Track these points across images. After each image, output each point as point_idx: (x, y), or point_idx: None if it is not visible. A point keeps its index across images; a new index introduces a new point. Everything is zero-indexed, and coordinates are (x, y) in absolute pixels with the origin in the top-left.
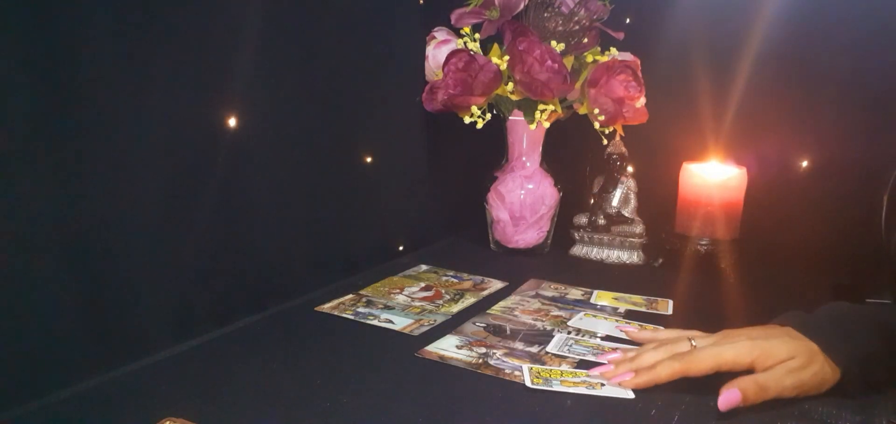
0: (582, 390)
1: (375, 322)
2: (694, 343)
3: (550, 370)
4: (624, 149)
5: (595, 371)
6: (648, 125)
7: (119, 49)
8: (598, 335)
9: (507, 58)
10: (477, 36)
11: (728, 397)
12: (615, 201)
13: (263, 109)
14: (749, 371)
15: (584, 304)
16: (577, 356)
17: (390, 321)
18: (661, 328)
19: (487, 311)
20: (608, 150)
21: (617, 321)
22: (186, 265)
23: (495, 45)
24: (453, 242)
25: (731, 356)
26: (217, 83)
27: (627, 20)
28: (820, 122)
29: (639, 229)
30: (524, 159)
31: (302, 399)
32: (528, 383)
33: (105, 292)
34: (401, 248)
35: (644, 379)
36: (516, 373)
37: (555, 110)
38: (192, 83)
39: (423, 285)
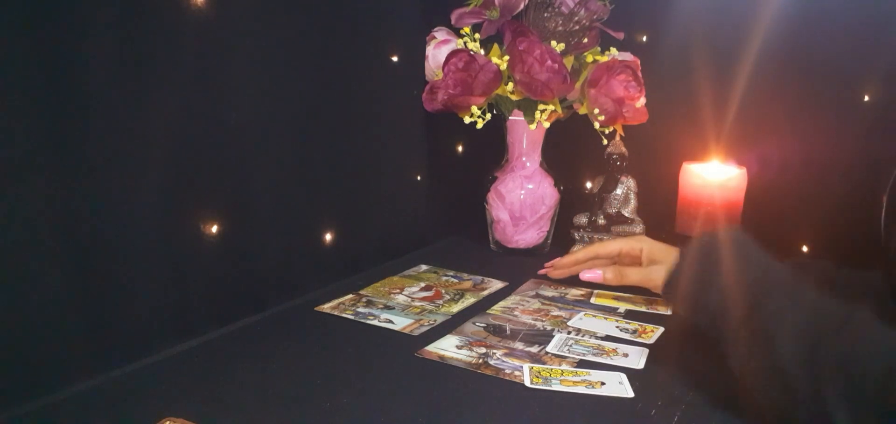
0: (582, 389)
1: (375, 322)
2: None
3: (550, 369)
4: (624, 149)
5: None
6: (648, 125)
7: (119, 49)
8: (598, 335)
9: (507, 58)
10: (477, 36)
11: (592, 275)
12: (615, 202)
13: (263, 109)
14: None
15: (584, 304)
16: (577, 356)
17: (390, 321)
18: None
19: (487, 311)
20: (608, 150)
21: (617, 321)
22: (186, 265)
23: (495, 46)
24: (453, 242)
25: (627, 248)
26: (217, 83)
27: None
28: (820, 122)
29: (639, 229)
30: (524, 159)
31: (302, 399)
32: (527, 383)
33: (105, 292)
34: (401, 248)
35: (567, 260)
36: (516, 373)
37: (555, 110)
38: (193, 83)
39: (423, 285)
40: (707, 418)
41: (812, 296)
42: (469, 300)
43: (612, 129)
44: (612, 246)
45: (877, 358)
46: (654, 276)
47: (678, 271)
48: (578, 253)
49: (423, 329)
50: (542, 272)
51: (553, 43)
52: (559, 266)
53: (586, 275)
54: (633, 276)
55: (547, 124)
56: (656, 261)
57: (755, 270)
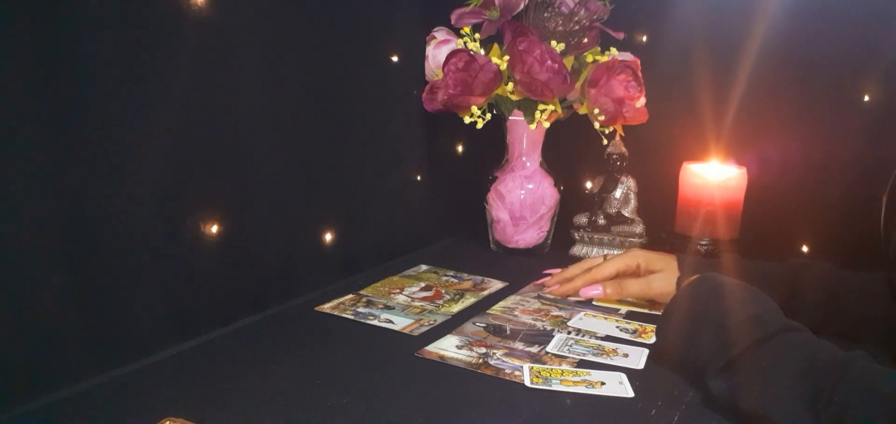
0: (582, 389)
1: (375, 322)
2: (605, 257)
3: (550, 369)
4: (624, 149)
5: (540, 282)
6: (648, 125)
7: (119, 49)
8: (598, 335)
9: (507, 58)
10: (477, 36)
11: (593, 292)
12: (615, 202)
13: (263, 109)
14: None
15: (585, 304)
16: (577, 356)
17: (390, 321)
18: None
19: (487, 311)
20: (608, 150)
21: (617, 321)
22: (186, 265)
23: (495, 45)
24: (453, 242)
25: (623, 265)
26: (217, 83)
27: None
28: (820, 122)
29: (639, 229)
30: (524, 158)
31: (302, 399)
32: (527, 383)
33: (105, 292)
34: (401, 248)
35: (566, 289)
36: (516, 373)
37: (555, 110)
38: (193, 83)
39: (423, 285)
40: (707, 418)
41: (809, 339)
42: (469, 300)
43: (612, 129)
44: (608, 269)
45: (875, 412)
46: (655, 285)
47: (670, 307)
48: (577, 281)
49: (423, 329)
50: (539, 282)
51: (553, 43)
52: (556, 291)
53: (590, 292)
54: (633, 287)
55: (547, 124)
56: (654, 270)
57: (752, 307)
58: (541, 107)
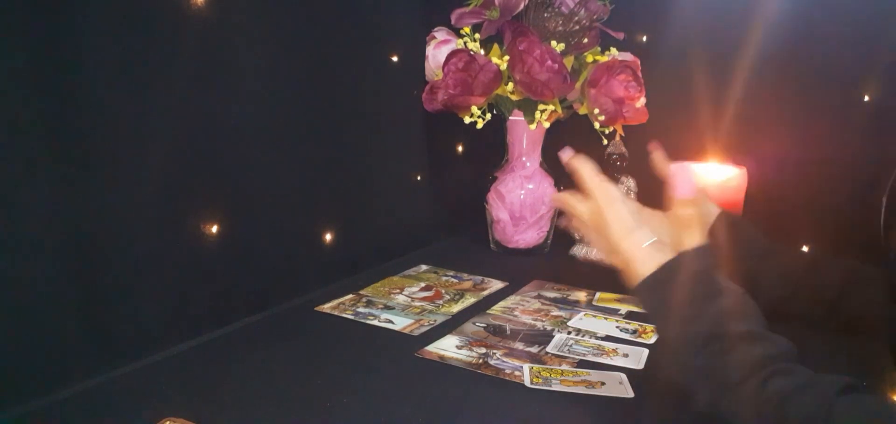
0: (581, 389)
1: (375, 322)
2: None
3: (550, 369)
4: (624, 149)
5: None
6: (648, 125)
7: (119, 49)
8: (598, 335)
9: (507, 58)
10: (477, 36)
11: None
12: None
13: (264, 109)
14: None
15: (585, 304)
16: (577, 356)
17: (390, 321)
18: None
19: (487, 311)
20: (608, 150)
21: (617, 321)
22: (186, 265)
23: (495, 45)
24: (453, 242)
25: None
26: (217, 83)
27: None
28: (819, 122)
29: None
30: (524, 158)
31: (302, 399)
32: (527, 383)
33: (105, 292)
34: (401, 248)
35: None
36: (516, 373)
37: (555, 110)
38: (193, 83)
39: (423, 285)
40: (707, 418)
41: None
42: (469, 300)
43: (612, 129)
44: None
45: None
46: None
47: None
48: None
49: (423, 329)
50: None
51: (553, 43)
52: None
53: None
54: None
55: (547, 124)
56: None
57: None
58: (541, 107)
